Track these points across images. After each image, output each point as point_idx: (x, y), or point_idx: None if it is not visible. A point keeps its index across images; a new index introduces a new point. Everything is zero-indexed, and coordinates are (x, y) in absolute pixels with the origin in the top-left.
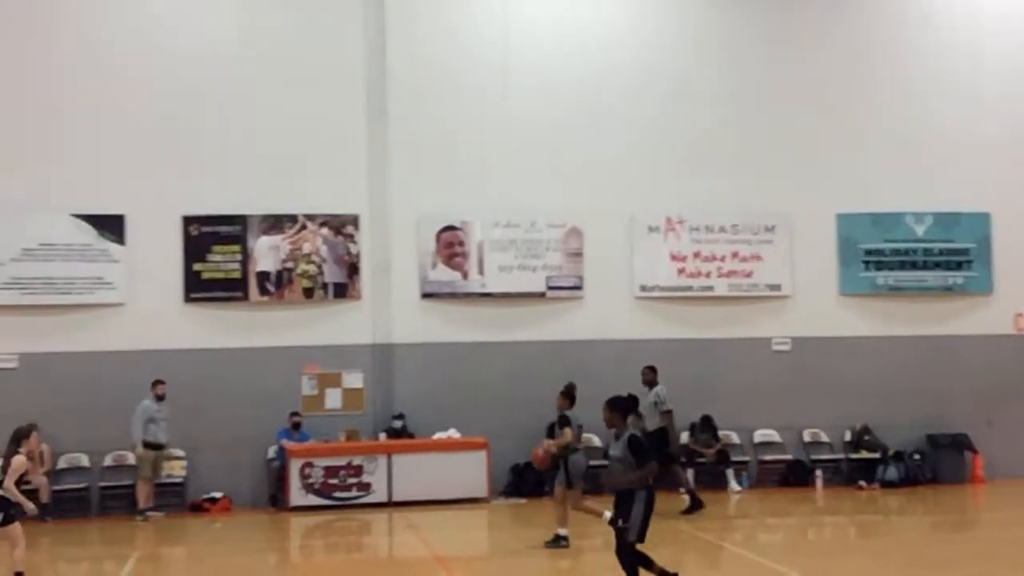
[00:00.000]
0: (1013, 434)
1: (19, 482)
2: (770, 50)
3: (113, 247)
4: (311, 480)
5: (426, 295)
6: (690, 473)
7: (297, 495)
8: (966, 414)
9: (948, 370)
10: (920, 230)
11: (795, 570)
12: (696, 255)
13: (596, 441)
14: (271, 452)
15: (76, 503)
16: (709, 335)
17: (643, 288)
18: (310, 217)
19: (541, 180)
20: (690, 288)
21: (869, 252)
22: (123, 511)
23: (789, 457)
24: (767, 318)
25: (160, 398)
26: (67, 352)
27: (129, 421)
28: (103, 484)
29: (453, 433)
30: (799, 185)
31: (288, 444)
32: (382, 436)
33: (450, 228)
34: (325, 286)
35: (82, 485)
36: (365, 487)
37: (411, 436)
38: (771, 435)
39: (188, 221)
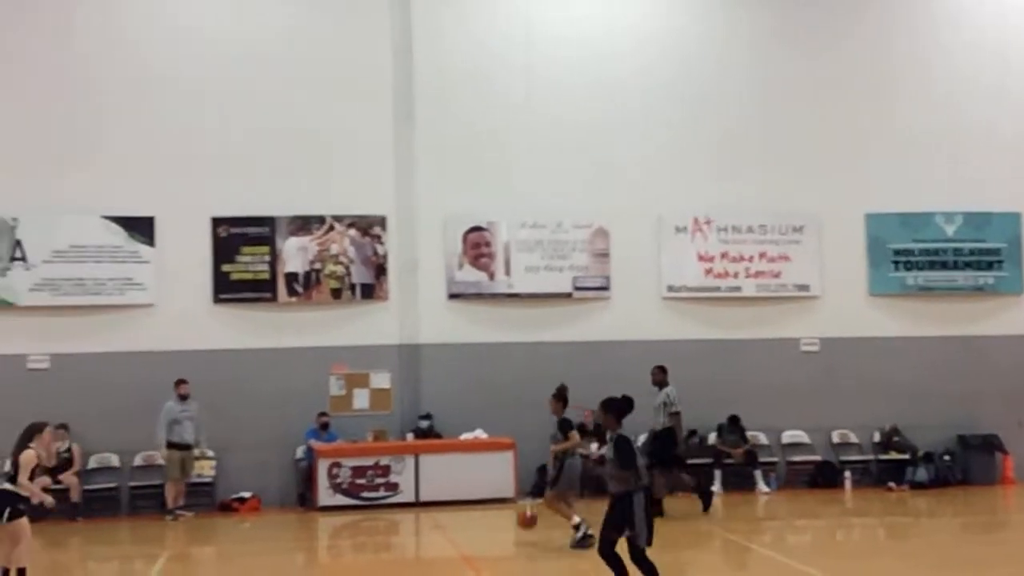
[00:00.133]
0: None
1: (33, 476)
2: (798, 50)
3: (143, 248)
4: (339, 480)
5: (453, 296)
6: (717, 474)
7: (325, 495)
8: (996, 415)
9: (978, 371)
10: (950, 230)
11: (823, 572)
12: (724, 255)
13: None
14: (299, 452)
15: (106, 503)
16: (737, 336)
17: (670, 289)
18: (338, 218)
19: (567, 181)
20: (718, 289)
21: (898, 252)
22: (153, 511)
23: (818, 458)
24: (795, 319)
25: (183, 397)
26: (98, 353)
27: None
28: (133, 484)
29: (480, 433)
30: (828, 185)
31: (316, 444)
32: (409, 436)
33: (476, 229)
34: (353, 287)
35: (112, 485)
36: (393, 487)
37: (438, 436)
38: (799, 436)
39: (217, 222)
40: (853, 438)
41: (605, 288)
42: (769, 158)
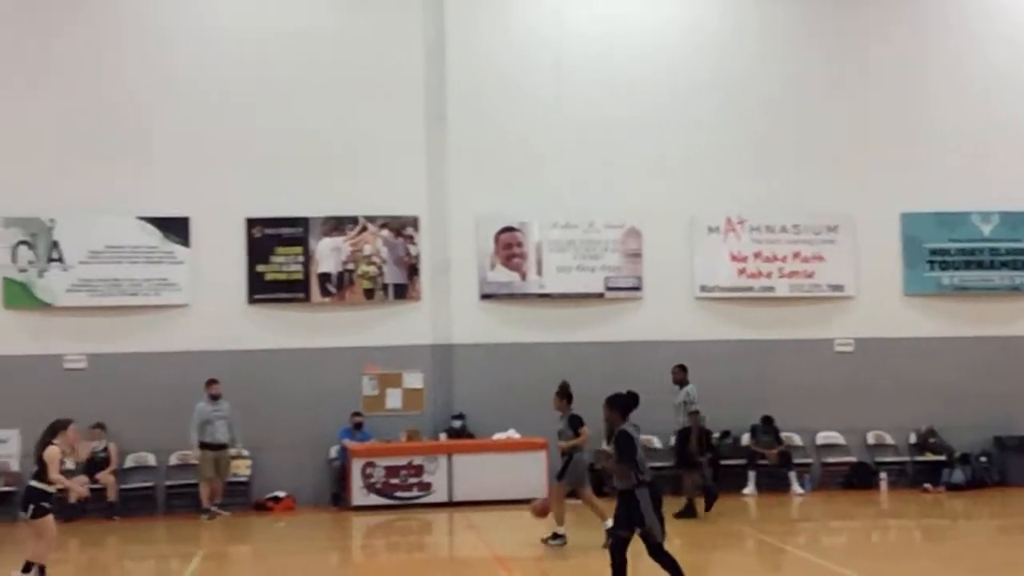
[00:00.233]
0: None
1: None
2: (832, 48)
3: (178, 249)
4: (372, 480)
5: (485, 296)
6: (751, 476)
7: (359, 494)
8: None
9: (1015, 371)
10: (986, 229)
11: (859, 573)
12: (757, 255)
13: (656, 443)
14: (333, 452)
15: (143, 502)
16: (770, 336)
17: (703, 289)
18: (370, 219)
19: (599, 181)
20: (751, 289)
21: (934, 252)
22: (188, 510)
23: (853, 459)
24: (829, 319)
25: (214, 397)
26: (134, 353)
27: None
28: (169, 483)
29: (512, 433)
30: (862, 184)
31: (350, 444)
32: (442, 436)
33: (508, 229)
34: (385, 287)
35: (148, 484)
36: (426, 487)
37: (471, 436)
38: (834, 437)
39: (251, 223)
40: (889, 439)
41: (637, 288)
42: (803, 157)
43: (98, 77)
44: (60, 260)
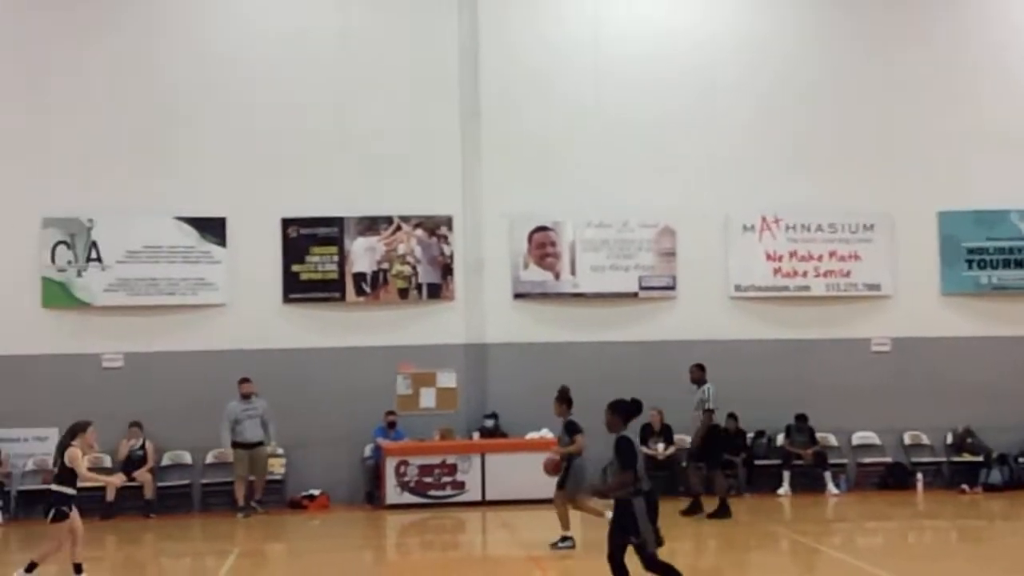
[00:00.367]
0: None
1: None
2: (869, 47)
3: (215, 249)
4: (406, 478)
5: (518, 295)
6: (786, 475)
7: (393, 493)
8: None
9: None
10: None
11: (894, 574)
12: (792, 255)
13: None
14: (367, 450)
15: (179, 499)
16: (806, 336)
17: (738, 288)
18: (405, 218)
19: (633, 180)
20: (786, 288)
21: (972, 251)
22: (224, 508)
23: (889, 460)
24: (866, 318)
25: (246, 396)
26: (171, 352)
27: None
28: (205, 481)
29: (546, 433)
30: (899, 183)
31: (384, 443)
32: (475, 435)
33: (542, 228)
34: (419, 287)
35: (185, 482)
36: (459, 486)
37: (504, 435)
38: (870, 437)
39: (287, 223)
40: (925, 439)
41: (671, 288)
42: (839, 155)
43: (137, 79)
44: (98, 260)
